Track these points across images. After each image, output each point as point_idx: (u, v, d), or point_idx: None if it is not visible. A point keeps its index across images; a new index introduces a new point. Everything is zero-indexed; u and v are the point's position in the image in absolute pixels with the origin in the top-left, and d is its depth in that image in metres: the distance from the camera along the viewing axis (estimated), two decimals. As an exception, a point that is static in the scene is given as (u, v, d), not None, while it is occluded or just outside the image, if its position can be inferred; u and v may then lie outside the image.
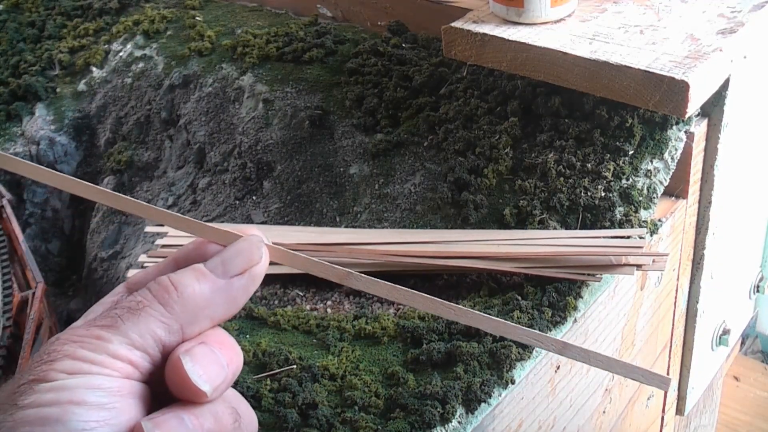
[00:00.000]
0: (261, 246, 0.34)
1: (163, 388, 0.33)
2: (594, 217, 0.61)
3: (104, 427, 0.29)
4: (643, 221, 0.62)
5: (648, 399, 0.74)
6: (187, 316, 0.32)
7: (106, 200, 0.37)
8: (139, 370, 0.31)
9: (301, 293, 0.65)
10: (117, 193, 0.37)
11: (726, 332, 0.83)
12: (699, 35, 0.62)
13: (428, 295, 0.36)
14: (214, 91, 0.87)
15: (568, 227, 0.61)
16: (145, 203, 0.37)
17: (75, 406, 0.29)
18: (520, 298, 0.57)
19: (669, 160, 0.64)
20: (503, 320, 0.36)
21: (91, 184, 0.37)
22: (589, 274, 0.57)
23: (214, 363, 0.32)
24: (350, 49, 0.84)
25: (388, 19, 0.86)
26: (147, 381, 0.32)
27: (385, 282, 0.36)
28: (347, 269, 0.36)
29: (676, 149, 0.64)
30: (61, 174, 0.37)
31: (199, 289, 0.32)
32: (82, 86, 0.98)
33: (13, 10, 1.11)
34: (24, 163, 0.37)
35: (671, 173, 0.64)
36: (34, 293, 0.73)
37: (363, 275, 0.36)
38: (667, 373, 0.77)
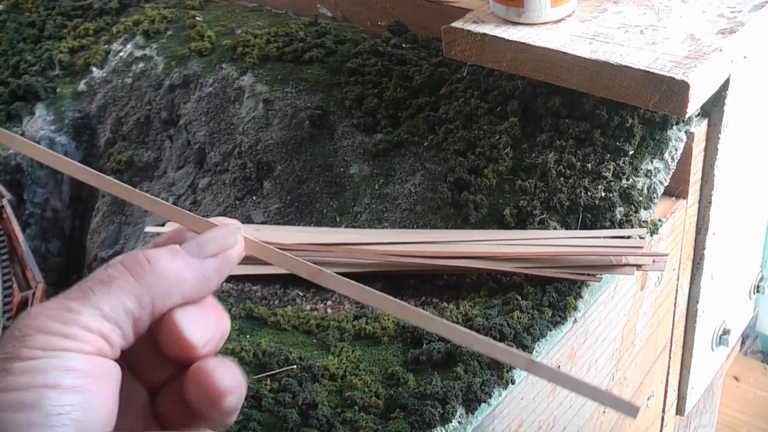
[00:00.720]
0: (236, 232, 0.34)
1: (134, 366, 0.34)
2: (594, 217, 0.61)
3: (78, 410, 0.29)
4: (643, 221, 0.62)
5: (648, 399, 0.74)
6: (158, 289, 0.32)
7: (89, 179, 0.36)
8: (110, 344, 0.31)
9: (301, 293, 0.65)
10: (100, 174, 0.36)
11: (726, 332, 0.83)
12: (699, 35, 0.62)
13: (398, 300, 0.34)
14: (214, 91, 0.87)
15: (568, 227, 0.61)
16: (126, 185, 0.36)
17: (49, 390, 0.29)
18: (520, 298, 0.57)
19: (669, 160, 0.64)
20: (472, 332, 0.34)
21: (74, 162, 0.36)
22: (589, 274, 0.57)
23: (205, 319, 0.33)
24: (350, 49, 0.84)
25: (388, 19, 0.86)
26: (118, 359, 0.32)
27: (356, 282, 0.34)
28: (318, 267, 0.35)
29: (676, 149, 0.64)
30: (47, 150, 0.36)
31: (172, 264, 0.32)
32: (82, 86, 0.98)
33: (13, 10, 1.10)
34: (26, 143, 0.36)
35: (671, 173, 0.64)
36: (34, 293, 0.73)
37: (334, 274, 0.35)
38: (667, 373, 0.77)
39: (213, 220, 0.36)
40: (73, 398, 0.29)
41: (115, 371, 0.32)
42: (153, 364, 0.35)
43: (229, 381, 0.33)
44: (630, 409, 0.33)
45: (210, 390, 0.32)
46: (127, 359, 0.34)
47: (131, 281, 0.32)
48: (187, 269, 0.33)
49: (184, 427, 0.34)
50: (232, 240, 0.34)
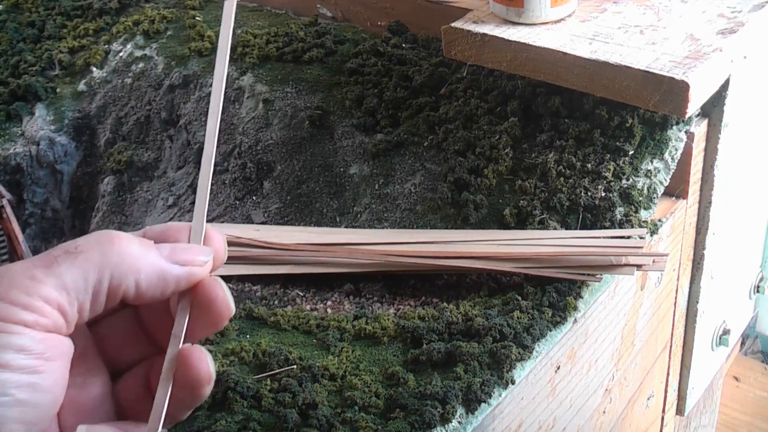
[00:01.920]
0: (210, 255, 0.35)
1: (105, 343, 0.35)
2: (594, 217, 0.61)
3: (25, 392, 0.30)
4: (643, 221, 0.62)
5: (648, 399, 0.74)
6: (119, 269, 0.32)
7: None
8: (66, 319, 0.32)
9: (301, 293, 0.65)
10: None
11: (726, 332, 0.83)
12: (699, 35, 0.62)
13: None
14: (214, 91, 0.87)
15: (568, 227, 0.61)
16: None
17: (0, 370, 0.29)
18: (520, 298, 0.57)
19: (669, 160, 0.64)
20: None
21: None
22: (589, 274, 0.57)
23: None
24: (350, 49, 0.84)
25: (388, 19, 0.86)
26: (71, 335, 0.33)
27: None
28: None
29: (676, 149, 0.64)
30: None
31: (139, 251, 0.33)
32: (82, 86, 0.98)
33: (13, 10, 1.10)
34: None
35: (671, 173, 0.64)
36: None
37: None
38: (667, 373, 0.77)
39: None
40: (21, 379, 0.30)
41: (67, 349, 0.32)
42: (125, 343, 0.36)
43: (209, 372, 0.34)
44: None
45: (195, 374, 0.33)
46: (99, 335, 0.35)
47: (96, 254, 0.32)
48: (151, 262, 0.33)
49: (141, 414, 0.35)
50: (202, 260, 0.35)
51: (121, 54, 0.98)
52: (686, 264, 0.72)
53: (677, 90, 0.56)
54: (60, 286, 0.31)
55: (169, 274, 0.33)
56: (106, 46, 1.00)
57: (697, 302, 0.75)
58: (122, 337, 0.36)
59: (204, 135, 0.86)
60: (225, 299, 0.35)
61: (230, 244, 0.66)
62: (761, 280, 0.90)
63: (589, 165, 0.63)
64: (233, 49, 0.89)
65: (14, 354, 0.30)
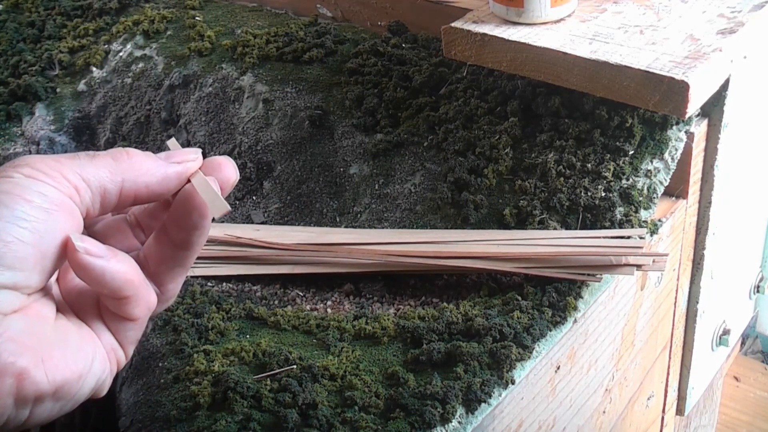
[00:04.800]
0: (198, 152, 0.42)
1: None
2: (594, 217, 0.61)
3: (41, 224, 0.35)
4: (643, 221, 0.62)
5: (648, 399, 0.74)
6: (129, 174, 0.39)
7: None
8: (80, 197, 0.37)
9: (301, 293, 0.65)
10: None
11: (726, 332, 0.83)
12: (699, 35, 0.62)
13: None
14: (214, 91, 0.87)
15: (568, 227, 0.61)
16: None
17: (23, 201, 0.35)
18: (520, 298, 0.57)
19: (669, 160, 0.64)
20: None
21: None
22: (589, 274, 0.57)
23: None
24: (350, 49, 0.84)
25: (388, 19, 0.86)
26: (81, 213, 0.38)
27: None
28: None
29: (676, 149, 0.64)
30: None
31: (144, 159, 0.40)
32: (82, 86, 0.98)
33: (13, 10, 1.10)
34: None
35: (671, 173, 0.64)
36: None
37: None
38: (667, 373, 0.77)
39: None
40: (39, 214, 0.36)
41: (78, 218, 0.37)
42: (116, 240, 0.43)
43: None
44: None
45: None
46: (93, 233, 0.41)
47: (110, 161, 0.39)
48: (155, 166, 0.40)
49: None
50: (193, 156, 0.42)
51: (121, 54, 0.98)
52: (686, 264, 0.72)
53: (677, 90, 0.56)
54: (78, 173, 0.37)
55: (171, 173, 0.40)
56: (106, 46, 1.00)
57: (697, 302, 0.75)
58: (113, 235, 0.42)
59: (204, 135, 0.86)
60: (228, 165, 0.42)
61: (230, 244, 0.66)
62: (761, 280, 0.90)
63: (589, 165, 0.63)
64: (233, 48, 0.89)
65: (36, 193, 0.36)
